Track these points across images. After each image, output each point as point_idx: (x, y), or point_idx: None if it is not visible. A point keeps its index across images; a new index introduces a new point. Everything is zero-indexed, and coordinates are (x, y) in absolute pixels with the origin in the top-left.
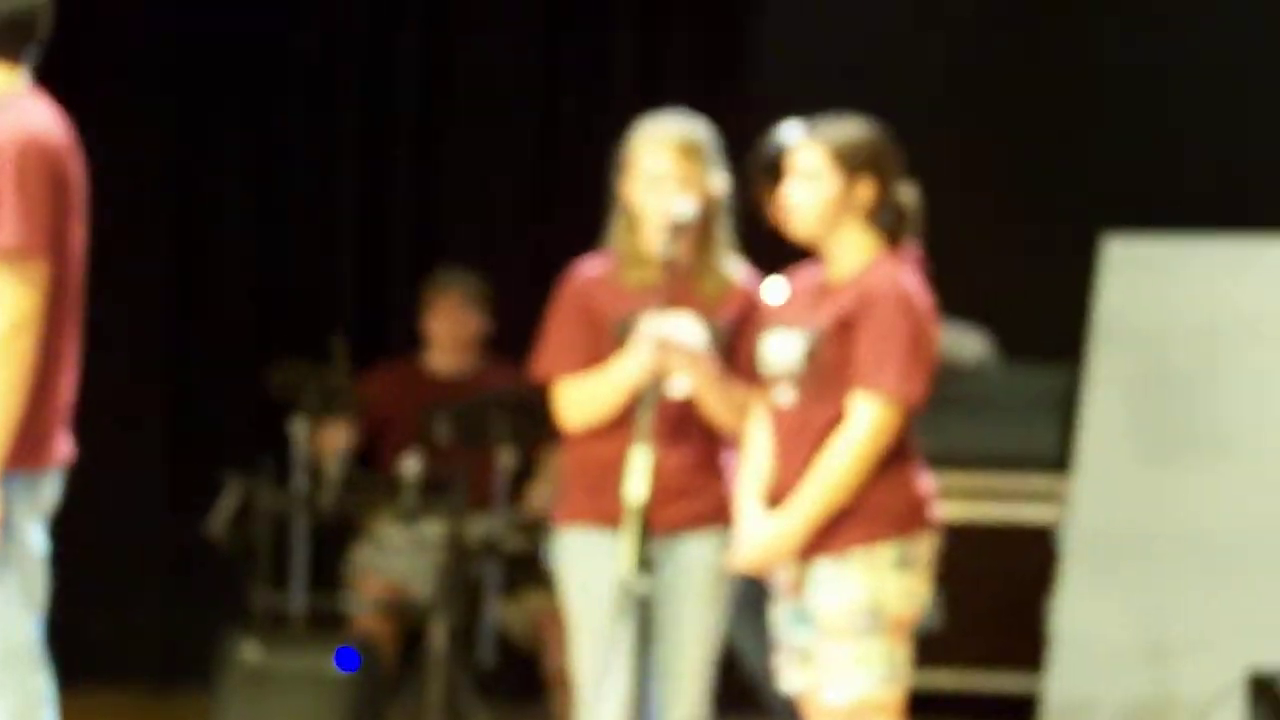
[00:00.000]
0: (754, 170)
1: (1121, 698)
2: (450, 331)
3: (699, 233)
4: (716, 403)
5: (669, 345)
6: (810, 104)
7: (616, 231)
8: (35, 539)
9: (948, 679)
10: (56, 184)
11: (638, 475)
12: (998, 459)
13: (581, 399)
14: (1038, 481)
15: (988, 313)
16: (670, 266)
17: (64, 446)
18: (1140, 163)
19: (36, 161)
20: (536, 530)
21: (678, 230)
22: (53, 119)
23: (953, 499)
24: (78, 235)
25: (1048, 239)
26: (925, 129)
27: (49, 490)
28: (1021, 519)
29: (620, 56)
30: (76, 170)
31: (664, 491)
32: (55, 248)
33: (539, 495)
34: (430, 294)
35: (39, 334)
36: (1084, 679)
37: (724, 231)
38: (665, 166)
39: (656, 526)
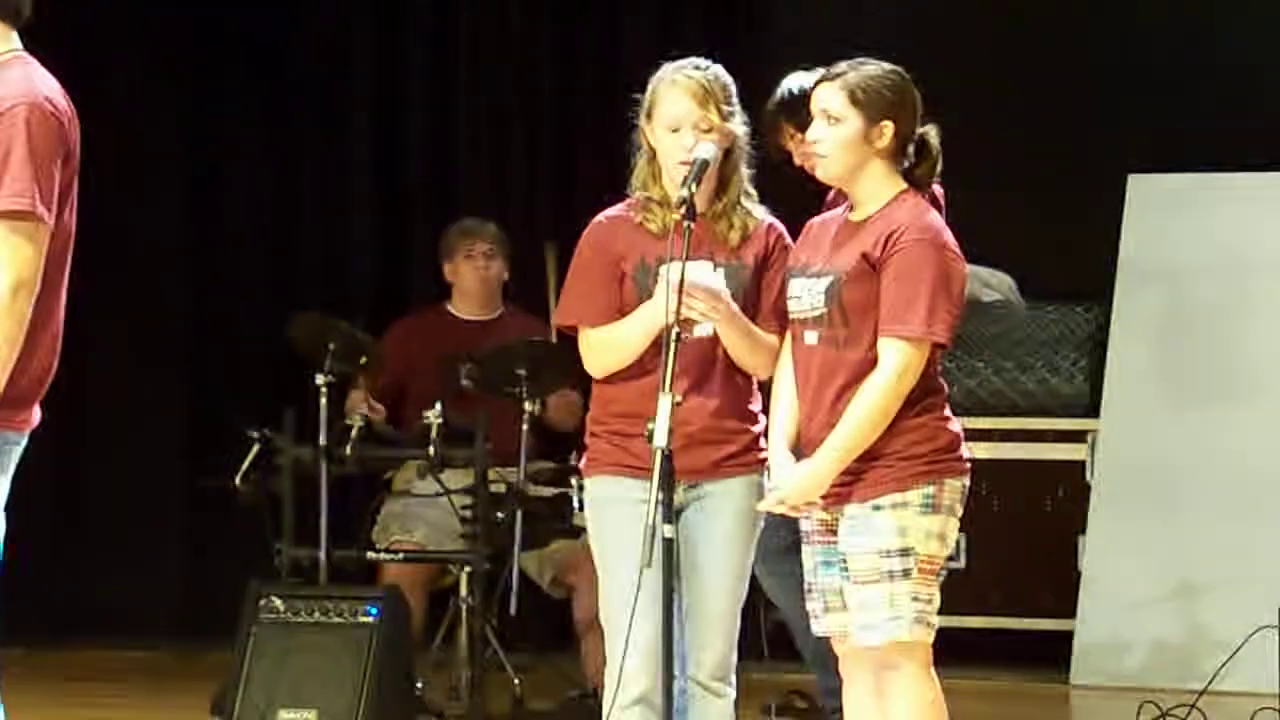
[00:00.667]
0: (770, 112)
1: (1153, 638)
2: (482, 277)
3: (720, 176)
4: (741, 347)
5: (690, 291)
6: (825, 48)
7: (640, 176)
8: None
9: (977, 620)
10: (62, 149)
11: (663, 421)
12: (1026, 400)
13: (604, 345)
14: (1066, 422)
15: (1013, 253)
16: (691, 210)
17: (34, 415)
18: (1166, 101)
19: (45, 124)
20: (563, 477)
21: (699, 174)
22: (56, 83)
23: (981, 441)
24: (71, 205)
25: (1074, 178)
26: (948, 68)
27: (14, 457)
28: (1050, 460)
29: (637, 15)
30: (76, 137)
31: (691, 437)
32: (56, 213)
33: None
34: (459, 241)
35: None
36: (1114, 619)
37: (745, 174)
38: (686, 109)
39: (684, 472)
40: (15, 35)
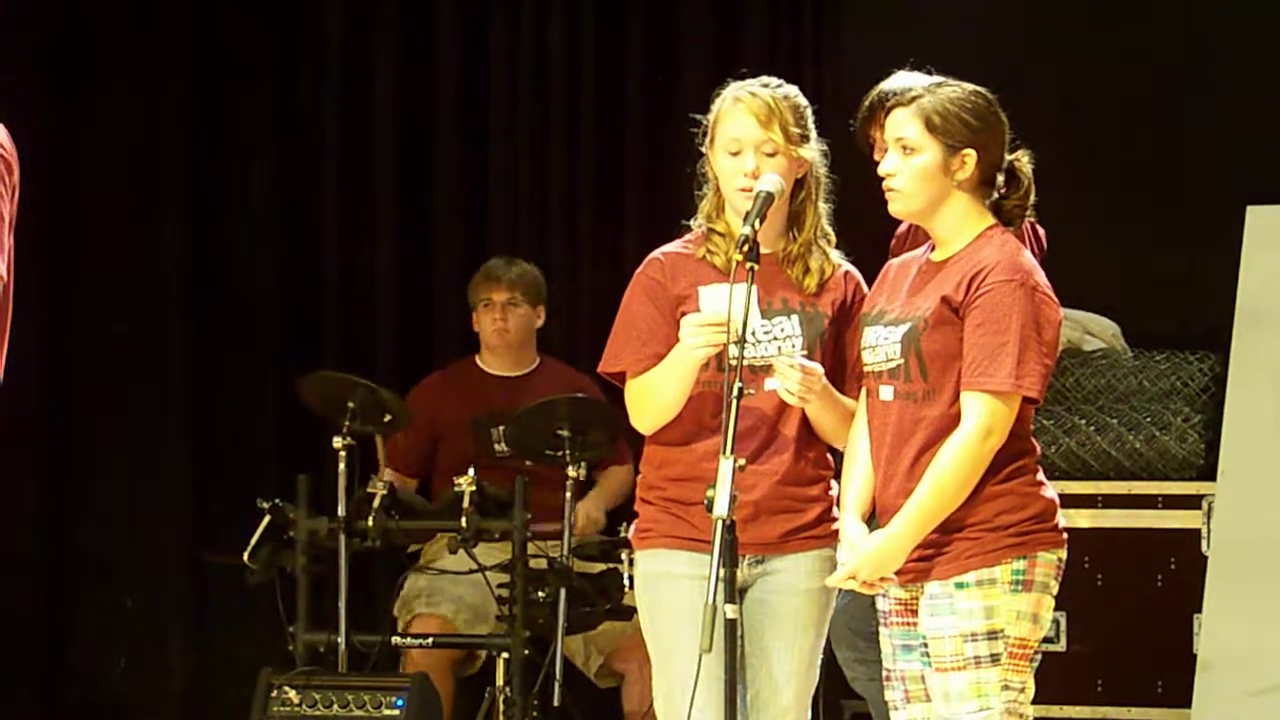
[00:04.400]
0: (873, 100)
1: None
2: (498, 330)
3: (793, 211)
4: (835, 428)
5: (788, 365)
6: (911, 50)
7: (705, 209)
8: None
9: (1078, 710)
10: (9, 192)
11: (724, 488)
12: (1132, 462)
13: (643, 392)
14: (1178, 486)
15: (1117, 295)
16: (755, 249)
17: None
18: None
19: (5, 171)
20: (612, 552)
21: (763, 208)
22: None
23: (1082, 508)
24: (10, 250)
25: (1186, 210)
26: (1042, 86)
27: None
28: (1160, 529)
29: (691, 41)
30: (18, 177)
31: (757, 506)
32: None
33: (585, 515)
34: (479, 289)
35: None
36: (1235, 709)
37: (823, 210)
38: (746, 129)
39: (748, 545)
40: None
